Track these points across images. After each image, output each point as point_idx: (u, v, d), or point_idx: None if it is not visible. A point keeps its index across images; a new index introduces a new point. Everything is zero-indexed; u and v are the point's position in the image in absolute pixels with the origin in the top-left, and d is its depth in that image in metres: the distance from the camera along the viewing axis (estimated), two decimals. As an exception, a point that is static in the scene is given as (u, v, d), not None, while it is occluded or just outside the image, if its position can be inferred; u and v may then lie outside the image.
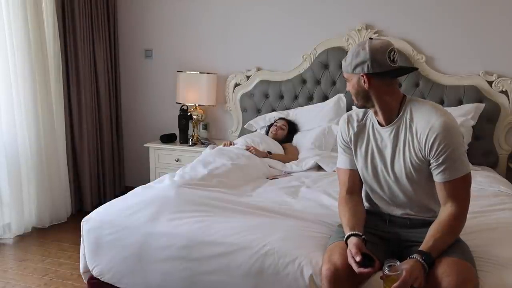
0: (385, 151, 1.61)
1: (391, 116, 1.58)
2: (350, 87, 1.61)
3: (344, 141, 1.72)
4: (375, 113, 1.61)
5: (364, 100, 1.59)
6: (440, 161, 1.48)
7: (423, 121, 1.52)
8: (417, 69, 1.72)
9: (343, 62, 1.61)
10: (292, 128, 3.29)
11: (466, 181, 1.51)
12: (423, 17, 3.25)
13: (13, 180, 3.09)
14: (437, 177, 1.52)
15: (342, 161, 1.75)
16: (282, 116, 3.39)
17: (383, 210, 1.69)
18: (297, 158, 3.06)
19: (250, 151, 2.90)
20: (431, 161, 1.52)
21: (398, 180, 1.59)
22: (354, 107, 1.76)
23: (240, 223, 1.82)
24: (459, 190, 1.51)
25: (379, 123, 1.63)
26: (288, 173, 2.83)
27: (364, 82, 1.54)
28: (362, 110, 1.70)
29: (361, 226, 1.57)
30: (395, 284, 1.31)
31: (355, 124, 1.69)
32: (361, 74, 1.53)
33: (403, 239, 1.63)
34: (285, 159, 3.01)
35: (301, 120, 3.34)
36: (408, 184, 1.58)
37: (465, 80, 3.16)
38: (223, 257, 1.70)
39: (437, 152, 1.48)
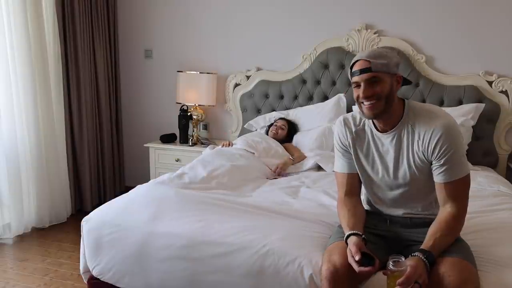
0: (386, 157, 1.61)
1: (394, 121, 1.57)
2: (382, 88, 1.50)
3: (342, 144, 1.69)
4: (379, 120, 1.58)
5: (388, 104, 1.52)
6: (442, 162, 1.49)
7: (425, 124, 1.52)
8: (411, 82, 1.74)
9: (373, 61, 1.48)
10: (292, 128, 3.30)
11: (465, 182, 1.52)
12: (423, 17, 3.25)
13: (13, 180, 3.09)
14: (438, 178, 1.52)
15: (339, 165, 1.73)
16: (282, 116, 3.39)
17: (384, 211, 1.69)
18: (305, 156, 3.06)
19: (278, 174, 2.77)
20: (433, 162, 1.52)
21: (401, 183, 1.60)
22: (354, 110, 1.74)
23: (240, 223, 1.81)
24: (459, 191, 1.51)
25: (377, 129, 1.62)
26: (288, 173, 2.83)
27: (398, 83, 1.55)
28: (359, 115, 1.67)
29: (360, 225, 1.57)
30: (399, 280, 1.31)
31: (353, 129, 1.66)
32: (398, 74, 1.55)
33: (403, 239, 1.63)
34: (299, 159, 3.00)
35: (301, 120, 3.34)
36: (411, 186, 1.59)
37: (465, 80, 3.16)
38: (223, 257, 1.70)
39: (439, 153, 1.49)
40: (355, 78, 1.53)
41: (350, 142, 1.66)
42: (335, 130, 1.72)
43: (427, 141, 1.50)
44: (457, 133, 1.51)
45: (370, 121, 1.63)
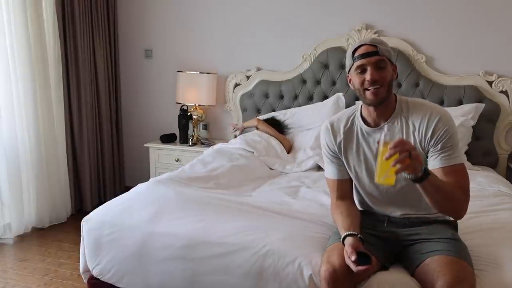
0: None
1: (388, 113, 1.57)
2: (386, 73, 1.51)
3: (331, 151, 1.69)
4: (377, 109, 1.56)
5: (388, 93, 1.53)
6: (439, 147, 1.49)
7: (419, 114, 1.53)
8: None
9: (379, 46, 1.50)
10: (274, 125, 3.29)
11: (463, 169, 1.51)
12: (423, 17, 3.25)
13: (13, 180, 3.09)
14: (435, 163, 1.50)
15: (330, 171, 1.73)
16: (276, 115, 3.41)
17: (380, 212, 1.68)
18: (289, 147, 3.18)
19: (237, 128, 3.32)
20: (430, 150, 1.52)
21: (398, 178, 1.59)
22: (344, 112, 1.73)
23: (240, 223, 1.81)
24: (458, 176, 1.48)
25: (368, 125, 1.61)
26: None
27: (394, 73, 1.56)
28: (345, 115, 1.68)
29: (356, 226, 1.56)
30: (391, 143, 1.26)
31: (342, 131, 1.65)
32: (395, 64, 1.57)
33: (401, 239, 1.62)
34: (274, 134, 3.16)
35: (300, 120, 3.34)
36: (407, 181, 1.57)
37: (465, 80, 3.16)
38: (223, 257, 1.70)
39: (437, 138, 1.49)
40: (361, 61, 1.50)
41: (342, 144, 1.65)
42: (322, 136, 1.72)
43: (424, 128, 1.51)
44: (452, 120, 1.53)
45: (360, 117, 1.62)
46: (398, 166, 1.26)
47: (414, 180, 1.34)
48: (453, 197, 1.43)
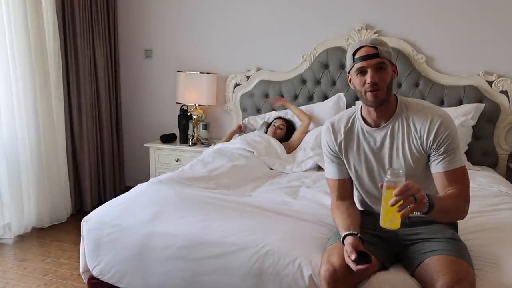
0: (380, 153, 1.60)
1: (389, 113, 1.58)
2: (386, 75, 1.51)
3: (331, 151, 1.69)
4: (377, 110, 1.56)
5: (388, 93, 1.53)
6: (441, 151, 1.50)
7: (420, 116, 1.54)
8: None
9: (380, 47, 1.49)
10: (290, 126, 3.30)
11: (464, 172, 1.52)
12: (423, 17, 3.25)
13: (13, 180, 3.09)
14: (437, 168, 1.51)
15: (330, 171, 1.73)
16: (280, 115, 3.39)
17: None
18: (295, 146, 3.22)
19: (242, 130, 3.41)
20: (431, 154, 1.53)
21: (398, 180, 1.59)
22: (345, 112, 1.72)
23: (240, 223, 1.81)
24: (459, 179, 1.50)
25: (368, 125, 1.61)
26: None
27: (394, 73, 1.55)
28: (346, 115, 1.69)
29: (356, 225, 1.56)
30: (396, 190, 1.25)
31: (342, 131, 1.66)
32: (395, 64, 1.56)
33: (402, 238, 1.62)
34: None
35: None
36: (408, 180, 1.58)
37: (465, 80, 3.17)
38: (223, 257, 1.70)
39: (439, 142, 1.49)
40: (362, 64, 1.50)
41: (343, 145, 1.66)
42: (323, 137, 1.72)
43: (425, 132, 1.51)
44: (453, 122, 1.54)
45: (360, 117, 1.63)
46: (404, 210, 1.26)
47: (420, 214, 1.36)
48: (456, 210, 1.48)
